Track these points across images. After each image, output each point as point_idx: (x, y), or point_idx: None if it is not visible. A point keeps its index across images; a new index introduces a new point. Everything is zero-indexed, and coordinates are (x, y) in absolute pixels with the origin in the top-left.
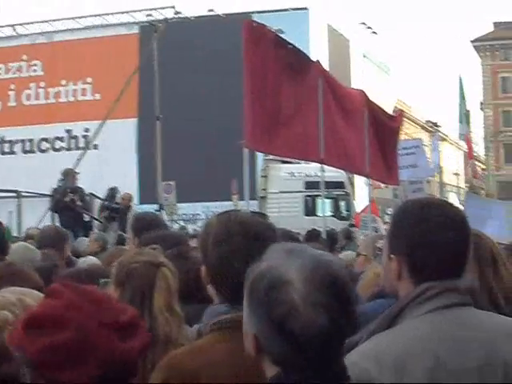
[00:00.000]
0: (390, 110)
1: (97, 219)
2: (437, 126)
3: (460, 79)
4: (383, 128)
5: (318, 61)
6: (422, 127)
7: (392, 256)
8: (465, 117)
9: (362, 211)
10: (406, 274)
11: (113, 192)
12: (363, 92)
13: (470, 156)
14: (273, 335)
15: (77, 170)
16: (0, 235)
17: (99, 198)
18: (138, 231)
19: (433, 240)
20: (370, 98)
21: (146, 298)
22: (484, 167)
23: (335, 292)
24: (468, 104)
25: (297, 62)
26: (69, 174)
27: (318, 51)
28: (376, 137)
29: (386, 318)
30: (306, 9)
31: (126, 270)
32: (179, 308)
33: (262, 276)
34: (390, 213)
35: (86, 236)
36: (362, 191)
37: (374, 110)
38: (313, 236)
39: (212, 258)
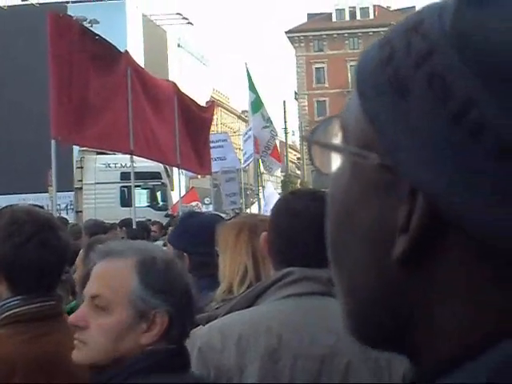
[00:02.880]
0: (206, 100)
1: None
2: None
3: (247, 69)
4: (194, 119)
5: (126, 51)
6: (239, 117)
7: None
8: (253, 106)
9: (181, 200)
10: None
11: None
12: (173, 83)
13: (257, 150)
14: None
15: None
16: None
17: None
18: None
19: (287, 232)
20: (186, 89)
21: None
22: (299, 156)
23: None
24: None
25: (105, 52)
26: None
27: (135, 42)
28: (186, 128)
29: (247, 297)
30: None
31: None
32: None
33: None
34: (207, 202)
35: None
36: (179, 181)
37: (185, 101)
38: (125, 225)
39: (3, 252)
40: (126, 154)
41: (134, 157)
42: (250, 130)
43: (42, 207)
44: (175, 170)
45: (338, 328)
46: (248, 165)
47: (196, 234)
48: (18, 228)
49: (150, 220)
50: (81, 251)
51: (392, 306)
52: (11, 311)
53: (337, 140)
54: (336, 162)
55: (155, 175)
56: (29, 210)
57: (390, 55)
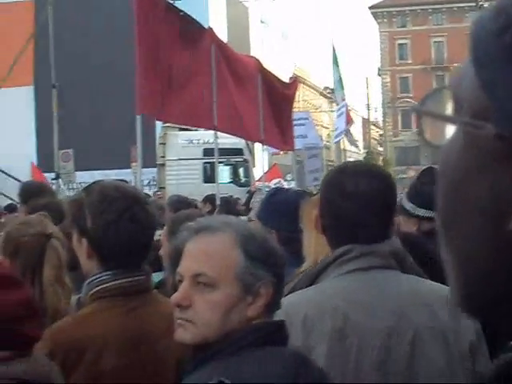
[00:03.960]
0: (288, 76)
1: None
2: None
3: (333, 47)
4: (277, 95)
5: (210, 28)
6: (321, 94)
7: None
8: (339, 84)
9: (265, 176)
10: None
11: None
12: (257, 59)
13: (348, 120)
14: None
15: None
16: None
17: None
18: (26, 198)
19: (341, 210)
20: (268, 65)
21: (36, 271)
22: (382, 133)
23: None
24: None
25: (189, 29)
26: None
27: (217, 18)
28: (270, 103)
29: (308, 275)
30: None
31: (14, 244)
32: (69, 280)
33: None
34: (289, 178)
35: None
36: (261, 158)
37: (268, 77)
38: (209, 201)
39: (94, 229)
40: (209, 130)
41: (217, 133)
42: (343, 106)
43: (127, 182)
44: (257, 146)
45: (402, 301)
46: (339, 140)
47: (282, 211)
48: (108, 205)
49: (231, 196)
50: (165, 227)
51: (508, 277)
52: (102, 286)
53: (448, 111)
54: (448, 132)
55: (237, 151)
56: (117, 186)
57: (506, 23)
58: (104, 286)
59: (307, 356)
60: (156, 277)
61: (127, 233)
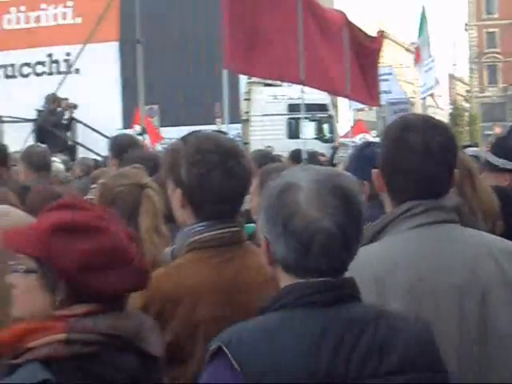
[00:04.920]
0: (372, 32)
1: (79, 143)
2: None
3: (423, 5)
4: (363, 49)
5: None
6: (407, 49)
7: (375, 171)
8: (426, 40)
9: (351, 131)
10: (387, 194)
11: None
12: (343, 13)
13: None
14: (279, 236)
15: (62, 96)
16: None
17: (81, 122)
18: (117, 152)
19: (406, 165)
20: (351, 19)
21: (132, 220)
22: (468, 89)
23: (341, 199)
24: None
25: None
26: (52, 99)
27: None
28: (356, 58)
29: (370, 231)
30: None
31: (110, 194)
32: (165, 229)
33: (277, 183)
34: (374, 134)
35: (72, 160)
36: (345, 114)
37: (354, 31)
38: (295, 156)
39: (189, 180)
40: (296, 83)
41: (303, 88)
42: (432, 61)
43: (226, 134)
44: (340, 103)
45: (470, 255)
46: (426, 96)
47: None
48: (203, 156)
49: (316, 151)
50: (254, 180)
51: None
52: (196, 237)
53: None
54: None
55: (322, 107)
56: (213, 138)
57: None
58: (198, 236)
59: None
60: (248, 228)
61: (220, 185)
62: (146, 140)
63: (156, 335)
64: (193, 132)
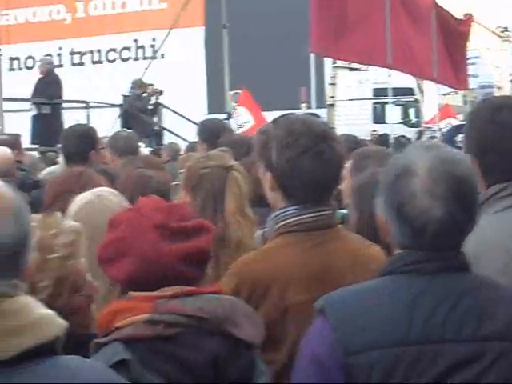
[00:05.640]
0: (458, 15)
1: (166, 129)
2: (507, 30)
3: None
4: (451, 32)
5: None
6: (494, 33)
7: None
8: None
9: (438, 116)
10: (479, 174)
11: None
12: None
13: None
14: (394, 219)
15: (148, 81)
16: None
17: (167, 107)
18: (206, 136)
19: (501, 146)
20: (438, 2)
21: (218, 202)
22: None
23: (455, 187)
24: None
25: None
26: (138, 85)
27: None
28: (444, 41)
29: None
30: None
31: (196, 176)
32: (251, 211)
33: (394, 164)
34: (460, 119)
35: (159, 145)
36: (431, 98)
37: (442, 14)
38: (382, 141)
39: (279, 163)
40: (383, 67)
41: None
42: None
43: (318, 117)
44: (426, 86)
45: None
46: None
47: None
48: (294, 140)
49: (403, 136)
50: (348, 163)
51: None
52: (287, 220)
53: None
54: None
55: (408, 91)
56: (304, 121)
57: None
58: (289, 220)
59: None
60: (338, 214)
61: (311, 169)
62: (232, 126)
63: (251, 321)
64: (284, 115)
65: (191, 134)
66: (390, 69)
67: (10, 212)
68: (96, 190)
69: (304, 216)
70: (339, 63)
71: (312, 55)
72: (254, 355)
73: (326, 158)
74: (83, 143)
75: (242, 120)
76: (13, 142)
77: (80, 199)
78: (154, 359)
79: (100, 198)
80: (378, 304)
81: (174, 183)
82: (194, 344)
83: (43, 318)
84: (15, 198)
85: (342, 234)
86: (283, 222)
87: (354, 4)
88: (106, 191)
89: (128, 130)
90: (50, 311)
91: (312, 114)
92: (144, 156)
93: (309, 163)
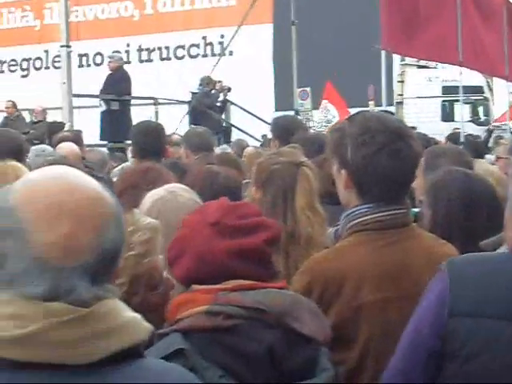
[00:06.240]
0: None
1: (234, 125)
2: None
3: None
4: None
5: None
6: None
7: None
8: None
9: (507, 115)
10: None
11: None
12: None
13: None
14: None
15: (216, 78)
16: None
17: (235, 104)
18: (279, 133)
19: None
20: None
21: (288, 198)
22: None
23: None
24: None
25: None
26: (207, 82)
27: None
28: None
29: None
30: None
31: (266, 172)
32: (321, 208)
33: None
34: None
35: (227, 142)
36: (501, 96)
37: None
38: (453, 139)
39: (355, 160)
40: (454, 65)
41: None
42: None
43: (393, 114)
44: (496, 85)
45: None
46: None
47: None
48: (370, 137)
49: (471, 134)
50: (422, 159)
51: None
52: (360, 219)
53: None
54: None
55: (478, 89)
56: (380, 118)
57: None
58: (362, 219)
59: None
60: (412, 211)
61: (387, 167)
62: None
63: (315, 318)
64: (359, 112)
65: (259, 131)
66: (461, 66)
67: (112, 217)
68: (168, 186)
69: (377, 215)
70: (407, 60)
71: (382, 52)
72: (316, 351)
73: (403, 155)
74: (155, 139)
75: (331, 115)
76: (75, 138)
77: (152, 195)
78: (211, 350)
79: (173, 195)
80: (499, 275)
81: (244, 181)
82: (252, 335)
83: (130, 322)
84: (114, 201)
85: (416, 232)
86: (356, 221)
87: (425, 2)
88: (178, 187)
89: (202, 127)
90: (136, 314)
91: (386, 111)
92: (220, 153)
93: (385, 160)
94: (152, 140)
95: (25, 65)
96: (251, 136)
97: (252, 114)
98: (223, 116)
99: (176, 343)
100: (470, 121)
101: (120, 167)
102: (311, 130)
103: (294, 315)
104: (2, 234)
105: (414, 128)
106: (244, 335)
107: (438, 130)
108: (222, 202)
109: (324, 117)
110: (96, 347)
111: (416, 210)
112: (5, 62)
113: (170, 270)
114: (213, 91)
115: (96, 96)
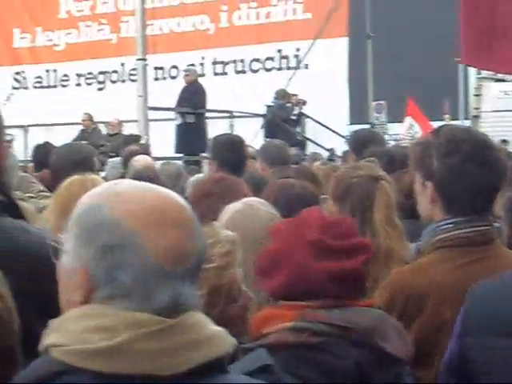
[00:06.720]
0: None
1: (309, 139)
2: None
3: None
4: None
5: None
6: None
7: None
8: None
9: None
10: None
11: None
12: None
13: None
14: None
15: (292, 91)
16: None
17: (310, 117)
18: (356, 146)
19: None
20: None
21: (367, 211)
22: None
23: None
24: None
25: None
26: (282, 95)
27: None
28: None
29: None
30: None
31: (345, 185)
32: (399, 222)
33: None
34: None
35: (302, 155)
36: None
37: None
38: None
39: (442, 170)
40: None
41: None
42: None
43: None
44: None
45: None
46: None
47: None
48: (456, 146)
49: None
50: None
51: None
52: (444, 235)
53: None
54: None
55: None
56: (465, 129)
57: None
58: (446, 235)
59: None
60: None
61: (473, 178)
62: None
63: (400, 336)
64: (444, 125)
65: (334, 145)
66: None
67: (198, 223)
68: (246, 199)
69: (462, 231)
70: (484, 74)
71: (460, 66)
72: (401, 370)
73: (491, 166)
74: (236, 152)
75: (413, 131)
76: (144, 151)
77: (230, 208)
78: (297, 366)
79: (251, 208)
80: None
81: (322, 196)
82: (339, 353)
83: (216, 334)
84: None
85: (500, 250)
86: (440, 236)
87: (503, 14)
88: (255, 201)
89: (279, 140)
90: (219, 328)
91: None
92: (297, 166)
93: (474, 170)
94: (233, 153)
95: (101, 78)
96: (326, 149)
97: (327, 127)
98: (298, 129)
99: (262, 359)
100: None
101: (194, 178)
102: (387, 144)
103: (381, 334)
104: (112, 247)
105: (505, 141)
106: (330, 352)
107: None
108: (318, 217)
109: (408, 133)
110: (186, 358)
111: (497, 224)
112: (81, 75)
113: (259, 280)
114: (288, 104)
115: (172, 109)
